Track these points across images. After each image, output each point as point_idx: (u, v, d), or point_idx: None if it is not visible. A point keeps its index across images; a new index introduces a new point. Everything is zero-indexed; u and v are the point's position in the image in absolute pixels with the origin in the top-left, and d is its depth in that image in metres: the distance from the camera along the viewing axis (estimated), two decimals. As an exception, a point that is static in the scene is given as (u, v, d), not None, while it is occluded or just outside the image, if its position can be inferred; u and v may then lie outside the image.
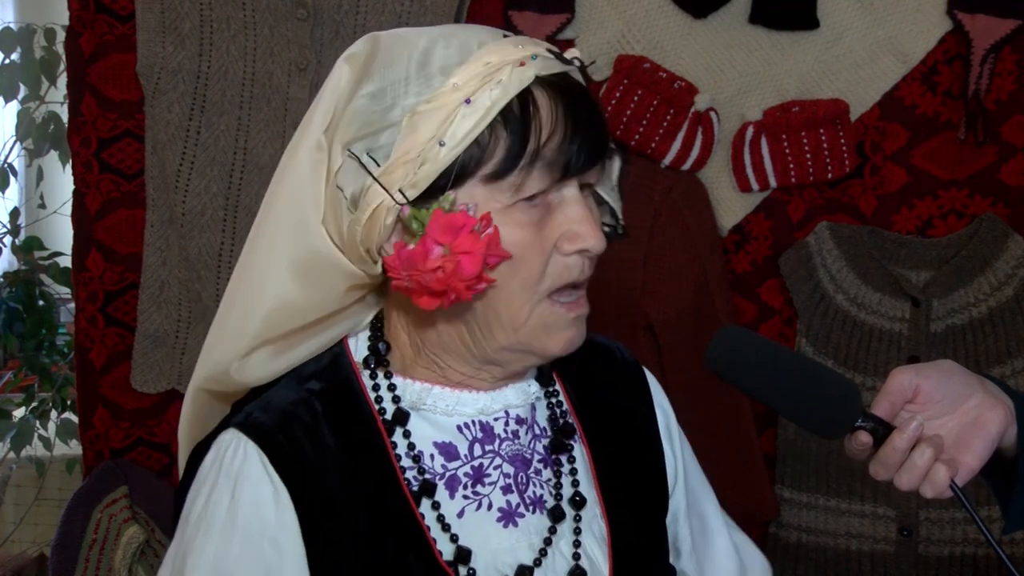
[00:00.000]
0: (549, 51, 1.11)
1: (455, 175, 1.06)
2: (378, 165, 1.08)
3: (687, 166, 2.35)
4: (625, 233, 1.18)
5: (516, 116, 1.06)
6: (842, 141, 2.33)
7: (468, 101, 1.05)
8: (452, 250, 1.04)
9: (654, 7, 2.36)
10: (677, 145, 2.34)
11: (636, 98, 2.32)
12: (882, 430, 1.12)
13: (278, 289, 1.12)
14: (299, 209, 1.11)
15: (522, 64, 1.07)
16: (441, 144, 1.05)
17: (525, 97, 1.07)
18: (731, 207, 2.39)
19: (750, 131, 2.34)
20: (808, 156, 2.33)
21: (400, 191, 1.06)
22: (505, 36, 1.12)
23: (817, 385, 1.14)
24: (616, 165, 1.17)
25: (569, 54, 1.12)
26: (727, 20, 2.35)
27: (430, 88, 1.07)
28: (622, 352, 1.33)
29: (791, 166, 2.34)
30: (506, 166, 1.06)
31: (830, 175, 2.35)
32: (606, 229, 1.14)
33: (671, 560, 1.29)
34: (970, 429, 1.14)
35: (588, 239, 1.10)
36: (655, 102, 2.32)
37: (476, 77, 1.06)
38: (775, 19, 2.33)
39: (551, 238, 1.10)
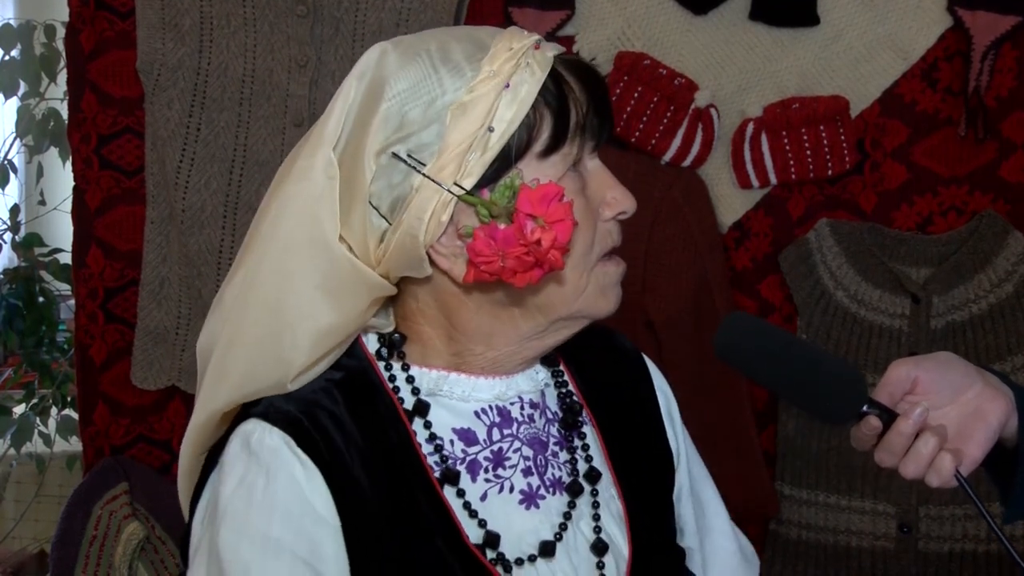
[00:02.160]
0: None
1: (512, 156, 1.09)
2: (423, 164, 1.09)
3: (687, 163, 2.35)
4: None
5: (553, 92, 1.11)
6: (842, 138, 2.33)
7: (507, 85, 1.09)
8: (546, 220, 1.07)
9: (654, 4, 2.36)
10: (677, 142, 2.34)
11: (636, 95, 2.32)
12: (887, 417, 1.13)
13: (313, 314, 1.12)
14: (316, 234, 1.11)
15: (536, 47, 1.12)
16: (491, 130, 1.08)
17: (556, 74, 1.11)
18: (731, 204, 2.39)
19: (750, 128, 2.34)
20: (808, 153, 2.33)
21: (456, 184, 1.08)
22: (500, 29, 1.16)
23: (823, 371, 1.15)
24: None
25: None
26: (727, 17, 2.35)
27: (464, 79, 1.10)
28: (622, 340, 1.36)
29: (791, 163, 2.34)
30: (557, 140, 1.11)
31: (830, 172, 2.35)
32: None
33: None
34: (971, 420, 1.15)
35: (624, 201, 1.16)
36: (655, 99, 2.32)
37: (507, 62, 1.10)
38: (775, 16, 2.33)
39: (593, 206, 1.15)
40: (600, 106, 1.14)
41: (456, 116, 1.09)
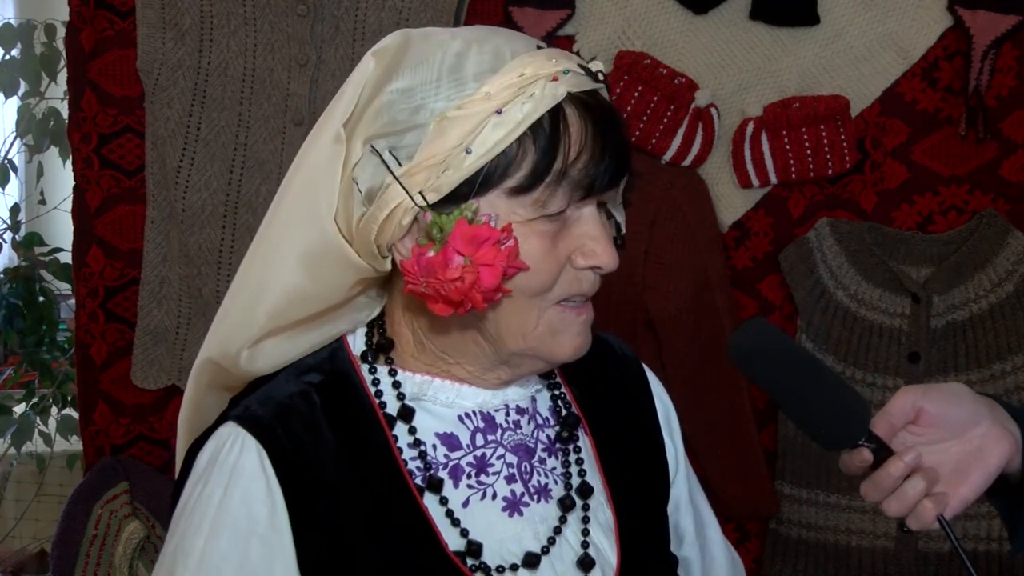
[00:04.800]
0: (580, 66, 1.10)
1: (479, 184, 1.06)
2: (400, 164, 1.08)
3: (687, 162, 2.35)
4: (623, 245, 1.19)
5: (546, 132, 1.06)
6: (842, 137, 2.33)
7: (499, 112, 1.05)
8: (473, 261, 1.04)
9: (654, 3, 2.36)
10: (677, 141, 2.33)
11: (636, 94, 2.32)
12: (883, 453, 1.11)
13: (286, 278, 1.12)
14: (312, 201, 1.11)
15: (555, 79, 1.07)
16: (468, 152, 1.05)
17: (556, 113, 1.07)
18: (731, 203, 2.39)
19: (750, 127, 2.34)
20: (808, 152, 2.33)
21: (421, 194, 1.07)
22: (539, 47, 1.12)
23: (832, 395, 1.13)
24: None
25: (595, 66, 1.12)
26: (728, 16, 2.35)
27: (461, 94, 1.07)
28: (621, 346, 1.34)
29: (791, 162, 2.34)
30: (531, 181, 1.07)
31: (830, 171, 2.35)
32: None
33: (672, 548, 1.29)
34: (971, 459, 1.13)
35: (602, 257, 1.11)
36: (655, 98, 2.32)
37: (509, 88, 1.06)
38: (776, 15, 2.33)
39: (566, 251, 1.11)
40: (609, 155, 1.09)
41: (439, 128, 1.07)
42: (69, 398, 3.32)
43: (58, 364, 3.48)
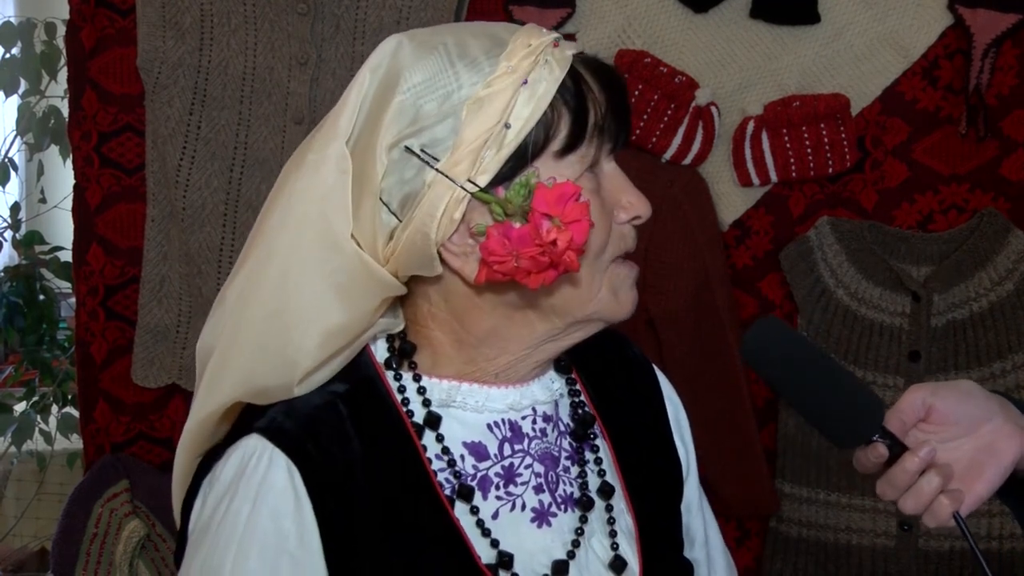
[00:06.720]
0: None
1: (530, 154, 1.07)
2: (436, 159, 1.07)
3: (688, 161, 2.35)
4: None
5: (572, 91, 1.09)
6: (843, 136, 2.33)
7: (526, 82, 1.07)
8: (562, 220, 1.05)
9: (655, 2, 2.36)
10: (678, 140, 2.33)
11: (637, 93, 2.32)
12: (896, 449, 1.11)
13: (325, 314, 1.09)
14: (327, 228, 1.08)
15: (555, 45, 1.10)
16: (507, 126, 1.06)
17: (574, 73, 1.10)
18: (732, 202, 2.39)
19: (751, 126, 2.34)
20: (809, 151, 2.33)
21: (471, 181, 1.06)
22: (519, 25, 1.14)
23: (846, 393, 1.13)
24: None
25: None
26: (728, 15, 2.35)
27: (482, 74, 1.07)
28: (631, 347, 1.34)
29: (792, 161, 2.34)
30: (575, 139, 1.09)
31: (831, 170, 2.35)
32: None
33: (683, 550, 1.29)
34: (984, 455, 1.12)
35: (639, 205, 1.16)
36: (656, 97, 2.32)
37: (526, 58, 1.08)
38: (776, 14, 2.33)
39: (608, 208, 1.14)
40: (618, 108, 1.12)
41: (472, 111, 1.06)
42: (69, 396, 3.32)
43: (58, 362, 3.48)
